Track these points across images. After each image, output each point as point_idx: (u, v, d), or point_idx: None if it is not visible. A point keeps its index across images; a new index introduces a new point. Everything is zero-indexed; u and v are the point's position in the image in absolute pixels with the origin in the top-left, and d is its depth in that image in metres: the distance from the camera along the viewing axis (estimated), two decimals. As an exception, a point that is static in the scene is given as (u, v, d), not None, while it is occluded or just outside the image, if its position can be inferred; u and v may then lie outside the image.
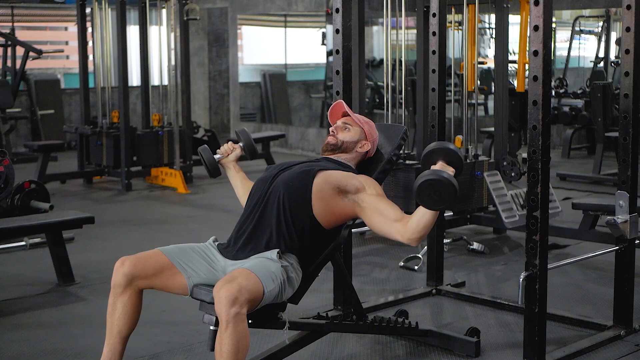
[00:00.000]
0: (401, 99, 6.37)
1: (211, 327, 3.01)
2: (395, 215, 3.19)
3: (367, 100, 10.57)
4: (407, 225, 3.14)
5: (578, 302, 4.67)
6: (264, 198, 3.29)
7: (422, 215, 3.12)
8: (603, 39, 11.73)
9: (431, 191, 3.04)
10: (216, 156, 3.70)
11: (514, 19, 7.11)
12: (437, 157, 3.23)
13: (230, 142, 3.78)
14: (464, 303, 4.62)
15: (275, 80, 12.80)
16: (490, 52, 11.90)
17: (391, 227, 3.18)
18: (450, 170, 3.16)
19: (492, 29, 7.92)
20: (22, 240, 5.85)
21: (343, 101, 3.69)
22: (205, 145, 3.74)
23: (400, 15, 6.06)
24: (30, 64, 10.42)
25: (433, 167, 3.17)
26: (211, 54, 13.47)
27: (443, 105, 4.53)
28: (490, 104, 11.61)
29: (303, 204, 3.24)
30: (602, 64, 11.77)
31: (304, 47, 13.08)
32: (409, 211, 6.05)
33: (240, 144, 3.79)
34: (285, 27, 12.80)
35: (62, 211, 5.46)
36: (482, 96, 11.52)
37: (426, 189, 3.05)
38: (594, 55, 12.03)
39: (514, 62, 7.07)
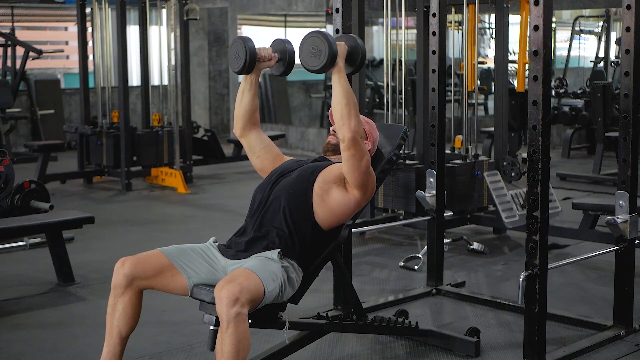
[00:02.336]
0: (401, 99, 6.37)
1: (211, 327, 3.01)
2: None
3: (367, 100, 10.58)
4: (335, 126, 3.19)
5: (578, 302, 4.67)
6: (264, 205, 3.29)
7: (333, 102, 3.15)
8: (603, 39, 11.74)
9: (309, 46, 3.15)
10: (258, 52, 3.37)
11: (514, 19, 7.12)
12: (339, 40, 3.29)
13: (270, 48, 3.46)
14: (464, 303, 4.62)
15: (275, 80, 12.80)
16: (490, 52, 11.91)
17: (342, 153, 3.18)
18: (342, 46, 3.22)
19: (492, 29, 7.92)
20: (22, 240, 5.85)
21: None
22: (248, 36, 3.41)
23: (400, 15, 6.07)
24: (30, 64, 10.43)
25: None
26: (211, 54, 13.47)
27: (443, 105, 4.53)
28: (490, 104, 11.61)
29: (304, 211, 3.24)
30: (602, 64, 11.77)
31: (304, 47, 13.04)
32: (408, 211, 6.10)
33: (278, 55, 3.43)
34: (285, 27, 12.80)
35: (62, 211, 5.46)
36: (482, 96, 11.53)
37: (305, 44, 3.16)
38: (594, 55, 12.03)
39: (514, 62, 7.07)
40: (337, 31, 3.98)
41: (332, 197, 3.26)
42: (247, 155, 3.61)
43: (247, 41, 3.37)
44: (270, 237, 3.22)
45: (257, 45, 3.40)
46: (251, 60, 3.35)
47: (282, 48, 3.45)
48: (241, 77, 3.56)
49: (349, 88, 3.16)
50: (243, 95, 3.54)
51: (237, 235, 3.31)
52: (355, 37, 3.34)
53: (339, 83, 3.16)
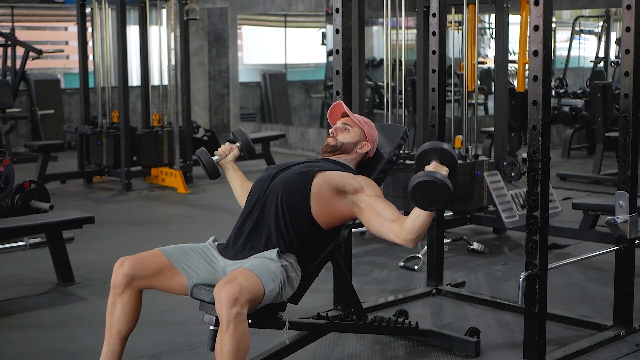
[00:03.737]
0: (401, 99, 6.37)
1: (211, 327, 3.01)
2: (393, 216, 3.19)
3: (367, 100, 10.58)
4: (403, 227, 3.13)
5: (578, 302, 4.67)
6: (262, 198, 3.29)
7: (417, 217, 3.11)
8: (603, 39, 11.73)
9: (425, 192, 3.02)
10: (214, 157, 3.68)
11: (514, 19, 7.11)
12: (430, 157, 3.21)
13: (227, 143, 3.76)
14: (464, 303, 4.62)
15: (275, 80, 12.80)
16: (490, 52, 11.90)
17: (388, 228, 3.17)
18: (444, 170, 3.14)
19: (492, 29, 7.91)
20: (22, 240, 5.85)
21: (342, 102, 3.68)
22: (203, 148, 3.71)
23: (400, 15, 6.06)
24: (30, 64, 10.43)
25: (427, 168, 3.16)
26: (211, 54, 13.47)
27: (443, 105, 4.53)
28: (490, 104, 11.60)
29: (301, 205, 3.24)
30: (602, 64, 11.77)
31: (304, 47, 13.07)
32: (408, 211, 6.10)
33: (238, 144, 3.77)
34: (285, 27, 12.80)
35: (62, 211, 5.46)
36: (482, 96, 11.52)
37: (420, 190, 3.03)
38: (594, 55, 12.03)
39: (514, 62, 7.07)
40: (337, 31, 3.98)
41: (332, 202, 3.25)
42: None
43: (201, 153, 3.63)
44: (267, 231, 3.22)
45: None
46: (210, 166, 3.63)
47: (236, 137, 3.77)
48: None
49: (432, 216, 3.15)
50: (235, 190, 3.76)
51: (235, 230, 3.30)
52: (447, 148, 3.22)
53: (432, 214, 3.11)
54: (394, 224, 3.16)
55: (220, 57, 13.49)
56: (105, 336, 3.11)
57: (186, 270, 3.13)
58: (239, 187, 3.71)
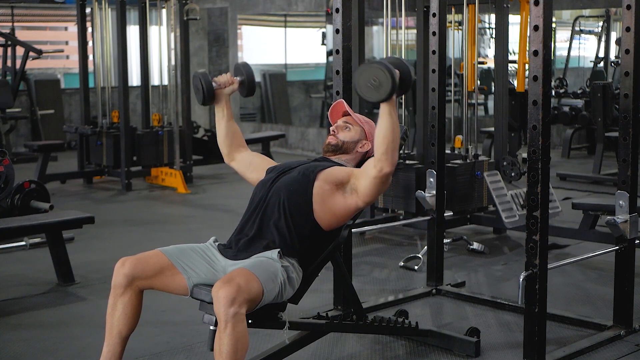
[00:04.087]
0: (401, 99, 6.37)
1: (211, 327, 3.01)
2: (371, 161, 3.22)
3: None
4: (375, 154, 3.15)
5: (578, 302, 4.67)
6: (264, 202, 3.29)
7: (379, 127, 3.10)
8: (603, 39, 11.73)
9: (369, 77, 3.04)
10: (213, 84, 3.53)
11: (514, 19, 7.11)
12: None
13: (228, 74, 3.61)
14: (464, 303, 4.62)
15: (275, 80, 12.80)
16: (490, 52, 11.90)
17: (370, 172, 3.18)
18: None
19: (492, 29, 7.92)
20: (22, 240, 5.85)
21: (344, 100, 3.68)
22: (205, 70, 3.55)
23: (400, 15, 6.07)
24: (30, 64, 10.42)
25: None
26: (211, 54, 13.47)
27: (443, 105, 4.53)
28: (490, 104, 11.60)
29: (304, 208, 3.24)
30: (602, 64, 11.77)
31: (304, 47, 13.07)
32: (408, 211, 6.10)
33: (239, 78, 3.58)
34: (285, 27, 12.80)
35: (62, 211, 5.46)
36: (482, 96, 11.52)
37: (364, 74, 3.05)
38: (594, 55, 12.03)
39: (514, 62, 7.07)
40: (337, 31, 3.98)
41: (333, 199, 3.26)
42: (242, 176, 3.65)
43: (203, 75, 3.51)
44: (269, 235, 3.22)
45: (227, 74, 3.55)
46: (209, 90, 3.48)
47: (241, 71, 3.59)
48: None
49: (397, 122, 3.12)
50: (219, 124, 3.63)
51: (237, 234, 3.30)
52: (406, 62, 3.22)
53: (389, 116, 3.10)
54: (371, 163, 3.18)
55: (220, 57, 13.49)
56: (106, 336, 3.11)
57: (186, 271, 3.13)
58: (225, 124, 3.61)
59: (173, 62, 8.88)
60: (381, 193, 3.27)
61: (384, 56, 6.41)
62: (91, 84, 9.57)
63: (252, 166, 3.59)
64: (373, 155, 3.55)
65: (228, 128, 3.61)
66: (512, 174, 6.18)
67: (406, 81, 3.14)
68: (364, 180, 3.21)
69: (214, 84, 3.52)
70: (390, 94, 3.05)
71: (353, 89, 3.23)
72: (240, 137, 3.66)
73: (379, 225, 5.92)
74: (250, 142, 8.44)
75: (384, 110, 3.11)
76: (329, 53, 11.54)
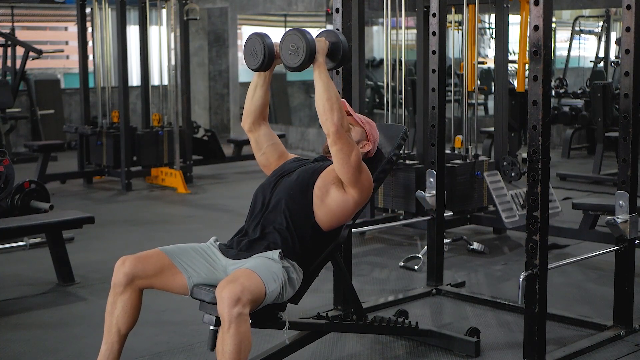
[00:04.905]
0: (401, 99, 6.37)
1: (211, 327, 3.01)
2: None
3: (367, 100, 10.58)
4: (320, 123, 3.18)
5: (578, 302, 4.67)
6: (265, 205, 3.29)
7: (315, 97, 3.15)
8: (603, 39, 11.74)
9: (288, 44, 3.15)
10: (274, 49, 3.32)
11: (514, 19, 7.12)
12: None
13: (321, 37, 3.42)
14: (464, 303, 4.62)
15: (275, 80, 12.80)
16: (490, 52, 11.91)
17: (330, 148, 3.19)
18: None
19: (492, 29, 7.92)
20: (22, 240, 5.85)
21: (345, 101, 3.68)
22: (264, 32, 3.35)
23: (400, 15, 6.07)
24: (30, 64, 10.43)
25: None
26: (211, 54, 13.47)
27: (443, 105, 4.53)
28: (490, 104, 11.62)
29: (305, 211, 3.24)
30: (602, 64, 11.78)
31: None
32: (408, 211, 6.10)
33: (328, 40, 3.28)
34: (285, 27, 12.81)
35: (62, 211, 5.46)
36: (482, 96, 11.53)
37: (284, 42, 3.16)
38: (594, 55, 12.04)
39: (514, 62, 7.08)
40: (337, 31, 3.97)
41: (331, 197, 3.26)
42: (253, 150, 3.58)
43: (265, 38, 3.31)
44: (271, 237, 3.22)
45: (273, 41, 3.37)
46: (269, 57, 3.30)
47: (332, 38, 3.35)
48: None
49: (330, 82, 3.16)
50: (255, 91, 3.49)
51: (239, 236, 3.31)
52: (338, 32, 3.33)
53: (319, 78, 3.17)
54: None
55: (220, 57, 13.50)
56: (104, 335, 3.11)
57: (187, 270, 3.13)
58: (263, 92, 3.48)
59: (173, 62, 8.88)
60: (355, 167, 3.18)
61: (384, 56, 6.41)
62: (91, 84, 9.58)
63: (268, 147, 3.52)
64: (373, 156, 3.58)
65: (263, 98, 3.50)
66: (512, 174, 6.19)
67: (336, 51, 3.25)
68: (335, 163, 3.20)
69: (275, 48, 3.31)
70: (307, 57, 3.13)
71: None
72: (267, 111, 3.56)
73: (379, 225, 5.92)
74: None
75: (314, 74, 3.18)
76: (329, 53, 11.52)
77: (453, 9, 6.45)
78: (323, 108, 3.13)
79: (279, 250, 3.16)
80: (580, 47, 12.60)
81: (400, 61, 6.27)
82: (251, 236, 3.25)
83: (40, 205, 5.86)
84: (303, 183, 3.29)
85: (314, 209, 3.24)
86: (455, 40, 6.67)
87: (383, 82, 6.85)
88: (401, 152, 3.80)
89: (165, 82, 9.12)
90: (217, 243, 3.32)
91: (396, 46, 6.42)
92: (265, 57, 3.29)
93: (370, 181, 3.30)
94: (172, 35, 8.80)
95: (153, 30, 9.60)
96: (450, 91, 6.45)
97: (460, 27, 6.50)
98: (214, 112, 13.63)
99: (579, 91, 10.52)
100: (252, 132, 3.54)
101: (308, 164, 3.46)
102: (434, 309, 4.55)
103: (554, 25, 11.48)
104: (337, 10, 3.97)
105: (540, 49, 3.33)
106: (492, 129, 7.17)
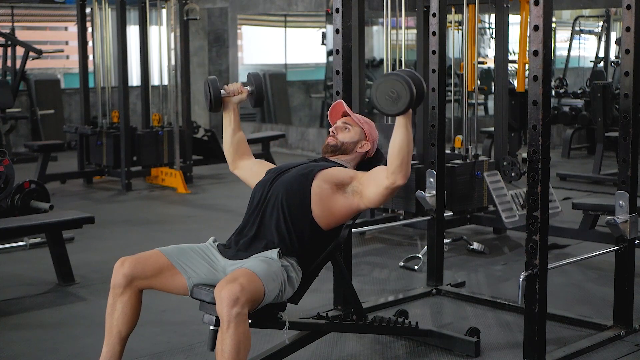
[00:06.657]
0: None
1: (211, 327, 3.01)
2: (382, 169, 3.23)
3: (367, 100, 10.58)
4: (388, 165, 3.16)
5: (578, 302, 4.67)
6: (263, 202, 3.29)
7: (394, 140, 3.12)
8: (603, 39, 11.73)
9: (387, 89, 3.07)
10: (222, 92, 3.55)
11: (514, 19, 7.12)
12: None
13: (239, 83, 3.65)
14: (464, 303, 4.62)
15: (275, 80, 12.80)
16: (490, 52, 11.91)
17: (381, 181, 3.19)
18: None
19: (492, 29, 7.92)
20: (22, 240, 5.85)
21: (343, 101, 3.68)
22: (215, 77, 3.58)
23: (400, 15, 6.06)
24: (30, 64, 10.42)
25: None
26: (211, 54, 13.47)
27: (443, 105, 4.53)
28: (490, 104, 11.61)
29: (302, 208, 3.24)
30: (602, 64, 11.77)
31: (304, 47, 13.08)
32: (409, 211, 6.10)
33: (249, 89, 3.62)
34: (285, 27, 12.81)
35: (62, 211, 5.46)
36: (482, 96, 11.53)
37: (382, 85, 3.08)
38: (594, 55, 12.03)
39: (514, 62, 7.07)
40: (337, 31, 3.98)
41: (332, 199, 3.26)
42: (245, 183, 3.66)
43: (212, 81, 3.50)
44: (269, 235, 3.22)
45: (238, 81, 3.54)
46: (216, 97, 3.50)
47: (252, 82, 3.61)
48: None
49: (411, 136, 3.14)
50: (226, 132, 3.66)
51: (237, 234, 3.31)
52: (419, 75, 3.23)
53: (406, 129, 3.13)
54: (383, 173, 3.19)
55: (220, 57, 13.49)
56: (105, 336, 3.11)
57: (186, 271, 3.13)
58: (231, 132, 3.64)
59: (173, 62, 8.88)
60: (384, 200, 3.28)
61: (384, 56, 6.41)
62: (91, 84, 9.58)
63: (255, 174, 3.58)
64: (372, 156, 3.57)
65: (234, 136, 3.65)
66: (512, 174, 6.19)
67: (420, 94, 3.17)
68: (374, 187, 3.22)
69: (222, 91, 3.54)
70: (407, 107, 3.08)
71: (353, 89, 3.25)
72: (245, 145, 3.69)
73: (379, 225, 5.92)
74: (250, 142, 8.41)
75: (400, 123, 3.14)
76: (329, 53, 11.54)
77: (453, 9, 6.45)
78: (401, 160, 3.13)
79: (277, 249, 3.16)
80: (580, 47, 12.59)
81: (400, 61, 6.26)
82: (249, 234, 3.25)
83: (40, 205, 5.86)
84: (302, 179, 3.29)
85: (311, 206, 3.24)
86: (455, 40, 6.66)
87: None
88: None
89: (165, 82, 9.11)
90: (216, 243, 3.32)
91: (396, 46, 6.42)
92: (212, 99, 3.50)
93: (385, 201, 3.33)
94: (172, 35, 8.80)
95: (153, 30, 9.59)
96: (450, 91, 6.45)
97: (460, 27, 6.50)
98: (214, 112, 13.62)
99: (579, 91, 10.51)
100: (236, 170, 3.67)
101: (307, 162, 3.47)
102: (434, 309, 4.55)
103: (554, 25, 11.47)
104: (337, 10, 3.97)
105: (540, 49, 3.33)
106: (492, 129, 7.17)
